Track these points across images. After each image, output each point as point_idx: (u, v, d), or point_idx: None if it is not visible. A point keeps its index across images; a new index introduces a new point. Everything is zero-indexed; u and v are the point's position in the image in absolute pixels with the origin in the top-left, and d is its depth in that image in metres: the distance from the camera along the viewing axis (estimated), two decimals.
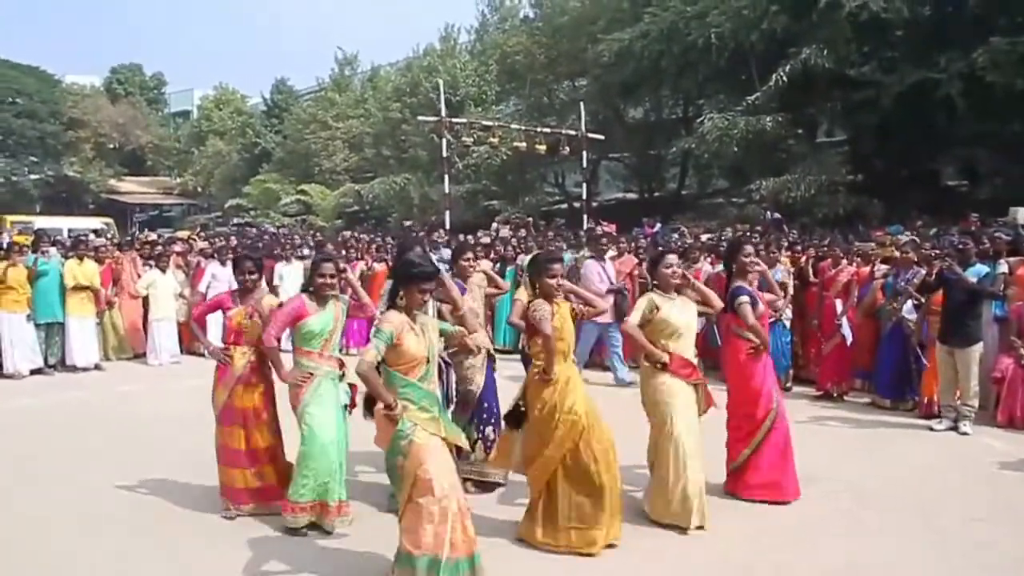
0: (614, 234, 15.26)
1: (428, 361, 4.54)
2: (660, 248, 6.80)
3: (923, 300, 8.99)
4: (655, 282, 5.80)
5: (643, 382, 5.80)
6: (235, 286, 6.23)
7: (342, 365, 5.66)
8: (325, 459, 5.39)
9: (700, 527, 5.48)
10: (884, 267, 9.77)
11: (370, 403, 4.63)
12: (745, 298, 6.07)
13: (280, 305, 5.82)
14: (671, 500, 5.51)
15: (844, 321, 9.76)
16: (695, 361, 5.79)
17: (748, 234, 14.59)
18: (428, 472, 4.32)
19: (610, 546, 5.13)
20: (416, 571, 4.29)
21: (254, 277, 5.92)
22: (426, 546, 4.29)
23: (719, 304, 6.09)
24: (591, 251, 11.74)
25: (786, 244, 12.79)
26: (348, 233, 22.05)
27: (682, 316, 5.69)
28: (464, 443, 4.72)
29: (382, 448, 4.52)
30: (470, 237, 18.45)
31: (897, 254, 10.02)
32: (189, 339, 12.58)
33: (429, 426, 4.45)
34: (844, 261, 10.29)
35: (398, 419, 4.36)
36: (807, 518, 5.82)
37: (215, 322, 6.99)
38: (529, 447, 5.32)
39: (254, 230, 28.18)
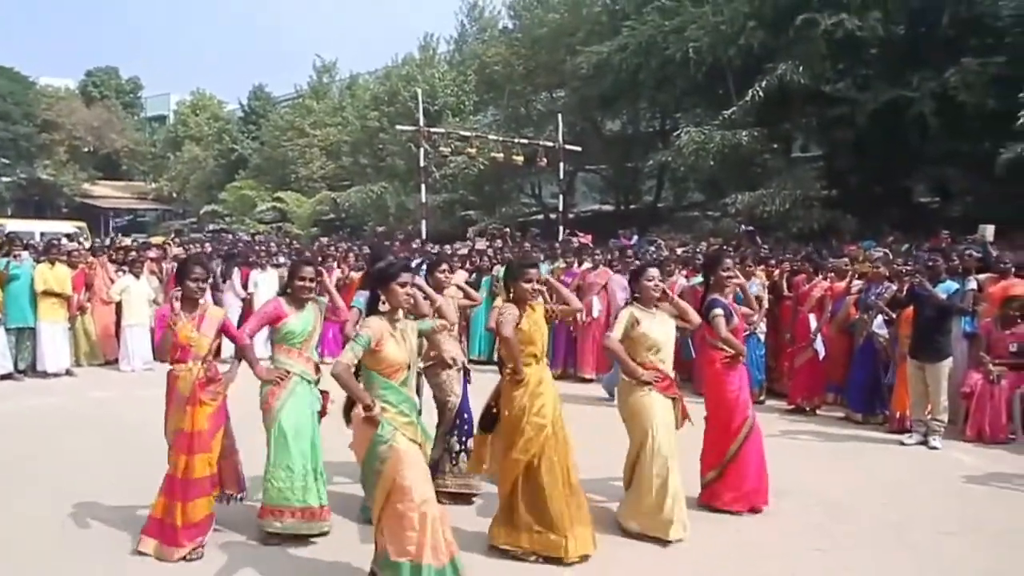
0: (590, 245, 15.33)
1: (409, 368, 4.57)
2: (641, 262, 6.81)
3: (894, 315, 9.09)
4: (636, 295, 5.81)
5: (621, 396, 5.81)
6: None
7: (317, 370, 5.64)
8: (302, 460, 5.37)
9: (680, 540, 5.50)
10: (859, 282, 9.87)
11: (348, 409, 4.62)
12: (719, 311, 6.12)
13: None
14: (652, 513, 5.53)
15: (818, 336, 9.84)
16: (672, 375, 5.82)
17: (724, 247, 14.70)
18: (407, 478, 4.33)
19: (584, 557, 5.13)
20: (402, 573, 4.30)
21: (203, 286, 5.48)
22: (408, 553, 4.29)
23: (697, 320, 6.08)
24: (566, 261, 11.79)
25: (760, 257, 12.87)
26: (325, 240, 22.00)
27: (661, 330, 5.72)
28: (430, 452, 4.70)
29: (357, 453, 4.51)
30: (447, 247, 18.45)
31: (869, 269, 10.13)
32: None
33: (408, 431, 4.46)
34: (818, 276, 10.38)
35: (378, 420, 4.35)
36: (781, 532, 5.85)
37: (143, 336, 6.33)
38: (497, 450, 5.36)
39: (230, 236, 28.01)
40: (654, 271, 5.90)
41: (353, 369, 4.42)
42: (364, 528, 5.47)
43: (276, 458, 5.37)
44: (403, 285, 4.56)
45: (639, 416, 5.62)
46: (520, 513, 5.15)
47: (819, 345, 9.82)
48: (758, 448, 6.19)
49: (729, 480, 6.15)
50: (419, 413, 4.63)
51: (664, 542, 5.48)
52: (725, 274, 6.33)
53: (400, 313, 4.62)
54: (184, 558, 5.11)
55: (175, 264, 13.73)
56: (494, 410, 5.36)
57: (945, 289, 8.45)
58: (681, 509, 5.54)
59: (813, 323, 9.95)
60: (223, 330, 5.55)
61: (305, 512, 5.39)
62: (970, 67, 17.58)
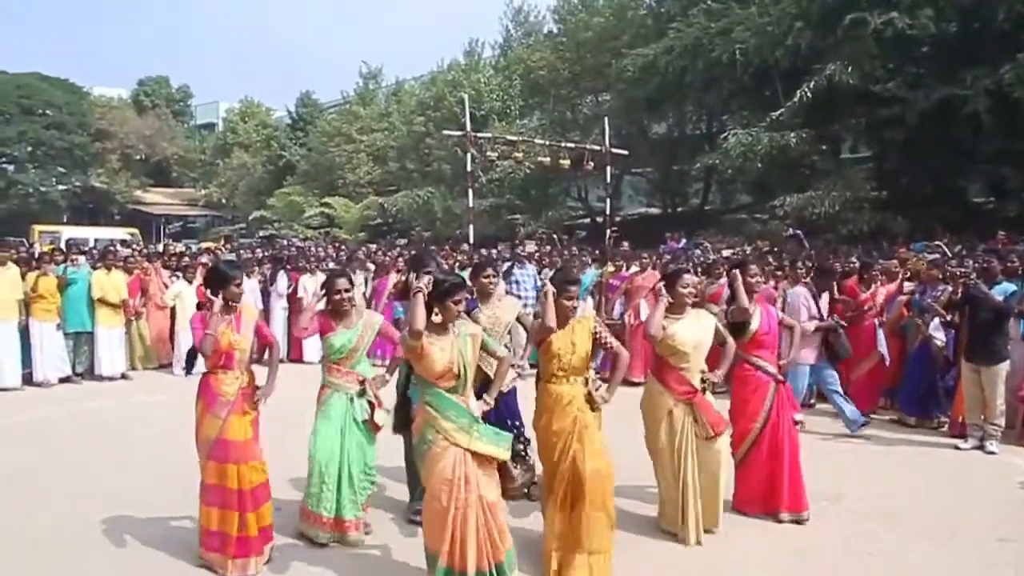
0: (629, 250, 15.25)
1: (459, 376, 4.60)
2: (677, 267, 6.79)
3: (950, 318, 8.92)
4: (670, 300, 5.75)
5: (644, 394, 5.89)
6: (258, 299, 5.99)
7: (362, 382, 5.62)
8: (331, 473, 5.43)
9: (698, 543, 5.54)
10: (910, 284, 9.72)
11: (401, 421, 4.71)
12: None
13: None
14: (667, 512, 5.70)
15: (882, 341, 9.68)
16: (697, 383, 5.70)
17: (774, 249, 14.56)
18: (437, 483, 4.46)
19: None
20: (432, 569, 4.47)
21: (242, 290, 5.38)
22: (443, 553, 4.40)
23: (746, 302, 6.15)
24: (615, 265, 11.77)
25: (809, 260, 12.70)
26: (374, 247, 22.12)
27: (692, 334, 5.69)
28: (499, 455, 4.64)
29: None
30: (493, 250, 18.46)
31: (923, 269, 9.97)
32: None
33: (453, 436, 4.51)
34: (878, 282, 10.14)
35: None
36: (831, 536, 5.79)
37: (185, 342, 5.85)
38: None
39: (283, 242, 28.24)
40: (689, 277, 5.92)
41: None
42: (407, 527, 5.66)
43: (310, 466, 5.48)
44: (457, 303, 4.63)
45: (657, 418, 5.70)
46: (547, 535, 5.08)
47: (883, 349, 9.66)
48: (775, 455, 6.11)
49: (738, 482, 6.24)
50: (476, 420, 4.61)
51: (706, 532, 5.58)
52: (752, 280, 6.35)
53: (452, 324, 4.67)
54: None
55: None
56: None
57: (1002, 291, 8.30)
58: (696, 511, 5.55)
59: (879, 330, 9.76)
60: (259, 329, 5.50)
61: (332, 523, 5.48)
62: None
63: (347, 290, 5.57)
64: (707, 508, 5.64)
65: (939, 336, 9.16)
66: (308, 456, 5.47)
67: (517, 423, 6.29)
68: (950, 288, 9.14)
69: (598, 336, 5.28)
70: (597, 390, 5.16)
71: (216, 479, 5.07)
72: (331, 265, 14.99)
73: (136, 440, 8.57)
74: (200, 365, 5.32)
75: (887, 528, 5.96)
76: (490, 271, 6.55)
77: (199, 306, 5.45)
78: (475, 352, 4.74)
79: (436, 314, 4.63)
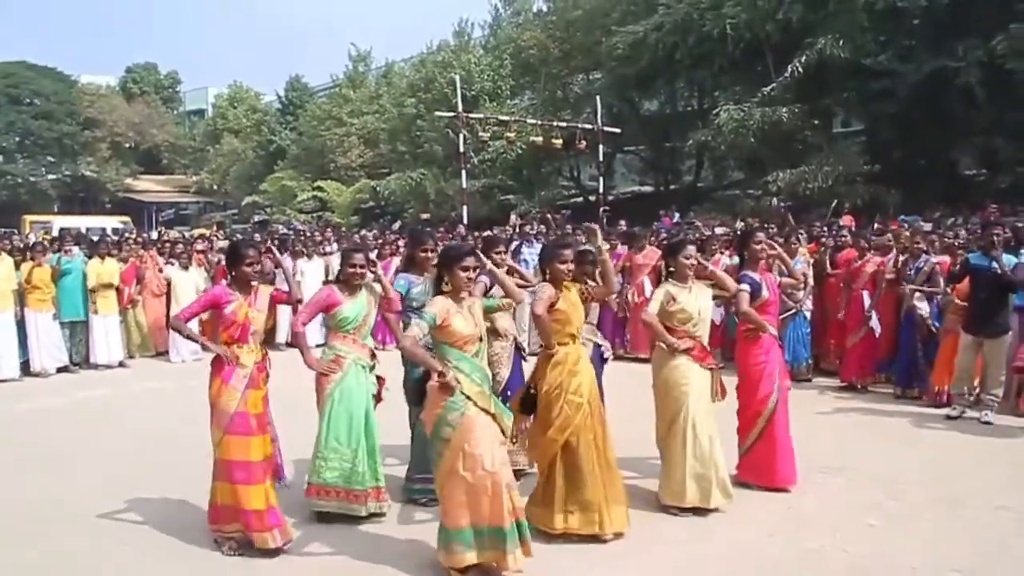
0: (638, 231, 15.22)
1: (480, 340, 4.70)
2: (680, 238, 6.84)
3: (946, 291, 8.93)
4: (671, 270, 5.83)
5: (657, 366, 5.87)
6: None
7: (373, 355, 5.73)
8: (353, 443, 5.48)
9: (717, 509, 5.60)
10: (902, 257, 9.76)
11: (418, 394, 4.75)
12: (745, 286, 6.19)
13: (277, 290, 5.71)
14: (687, 483, 5.60)
15: (873, 313, 9.74)
16: (707, 347, 5.87)
17: (766, 225, 14.58)
18: (479, 446, 4.46)
19: (618, 535, 5.18)
20: (463, 543, 4.48)
21: (258, 268, 5.37)
22: (479, 517, 4.46)
23: (734, 286, 6.16)
24: (611, 243, 11.76)
25: (811, 235, 12.69)
26: (371, 234, 22.05)
27: (696, 304, 5.76)
28: (507, 427, 4.74)
29: (427, 423, 4.65)
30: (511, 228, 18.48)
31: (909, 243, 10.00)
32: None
33: (480, 400, 4.57)
34: (869, 252, 10.19)
35: (452, 385, 4.46)
36: (833, 507, 5.84)
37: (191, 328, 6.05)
38: (534, 429, 5.41)
39: (280, 228, 28.10)
40: (692, 248, 5.94)
41: (422, 342, 4.58)
42: (406, 508, 5.74)
43: (327, 440, 5.49)
44: (465, 269, 4.66)
45: (675, 390, 5.69)
46: (557, 492, 5.18)
47: (875, 322, 9.71)
48: (784, 426, 6.19)
49: (756, 457, 6.21)
50: (492, 387, 4.72)
51: (703, 512, 5.57)
52: (757, 247, 6.35)
53: (464, 293, 4.72)
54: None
55: (222, 256, 13.96)
56: (532, 391, 5.40)
57: (1007, 263, 8.27)
58: (719, 476, 5.61)
59: (867, 300, 9.82)
60: (275, 298, 5.55)
61: (353, 494, 5.50)
62: (1019, 33, 17.15)
63: (363, 265, 5.67)
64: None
65: (923, 307, 9.17)
66: (324, 422, 5.50)
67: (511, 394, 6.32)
68: (933, 259, 9.16)
69: (584, 292, 5.59)
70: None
71: (238, 454, 5.06)
72: (328, 249, 14.90)
73: (137, 427, 8.59)
74: (192, 351, 5.34)
75: (888, 497, 6.00)
76: (501, 247, 6.54)
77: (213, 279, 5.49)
78: (482, 317, 4.83)
79: (446, 284, 4.68)
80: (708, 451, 5.57)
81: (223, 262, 7.01)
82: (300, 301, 5.85)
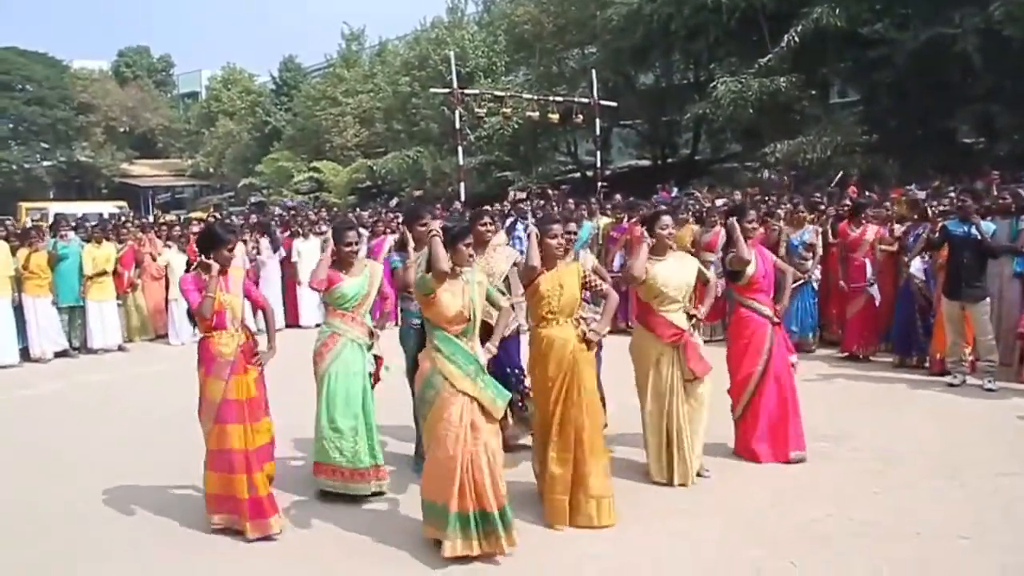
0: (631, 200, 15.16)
1: (468, 320, 4.67)
2: (655, 210, 6.76)
3: (927, 257, 8.96)
4: (652, 241, 5.78)
5: (632, 340, 5.95)
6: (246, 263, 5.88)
7: (372, 335, 5.71)
8: (350, 421, 5.47)
9: (683, 484, 5.62)
10: (899, 227, 9.74)
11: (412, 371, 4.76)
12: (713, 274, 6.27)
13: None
14: (654, 459, 5.74)
15: (874, 282, 9.72)
16: (684, 323, 5.76)
17: (766, 199, 14.52)
18: (443, 430, 4.50)
19: (585, 528, 5.01)
20: (437, 519, 4.55)
21: (235, 254, 5.32)
22: (440, 496, 4.51)
23: (746, 252, 6.10)
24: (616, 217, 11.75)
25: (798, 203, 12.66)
26: (366, 213, 21.95)
27: (674, 276, 5.73)
28: (496, 411, 4.66)
29: (416, 392, 4.77)
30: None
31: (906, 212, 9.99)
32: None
33: (459, 382, 4.54)
34: (867, 223, 10.14)
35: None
36: (836, 476, 5.84)
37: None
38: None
39: (276, 208, 27.98)
40: (667, 219, 5.94)
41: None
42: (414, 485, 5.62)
43: (325, 418, 5.49)
44: (468, 246, 4.68)
45: (640, 364, 5.81)
46: (547, 480, 5.14)
47: (874, 291, 9.70)
48: (781, 399, 6.17)
49: (745, 429, 6.27)
50: (481, 369, 4.68)
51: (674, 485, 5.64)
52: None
53: (463, 269, 4.71)
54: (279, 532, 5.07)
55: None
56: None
57: (986, 230, 8.27)
58: (681, 453, 5.64)
59: (868, 269, 9.79)
60: (246, 293, 5.39)
61: (354, 473, 5.50)
62: None
63: (356, 242, 5.70)
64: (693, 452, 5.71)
65: (919, 275, 9.15)
66: (321, 400, 5.49)
67: (517, 371, 6.30)
68: (929, 226, 9.16)
69: (588, 281, 5.36)
70: (590, 327, 5.24)
71: (221, 444, 5.03)
72: (323, 228, 14.84)
73: (137, 411, 8.57)
74: (191, 334, 5.29)
75: (890, 466, 6.00)
76: (487, 219, 6.48)
77: (188, 266, 5.39)
78: (482, 298, 4.81)
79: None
80: (670, 429, 5.64)
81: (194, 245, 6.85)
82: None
